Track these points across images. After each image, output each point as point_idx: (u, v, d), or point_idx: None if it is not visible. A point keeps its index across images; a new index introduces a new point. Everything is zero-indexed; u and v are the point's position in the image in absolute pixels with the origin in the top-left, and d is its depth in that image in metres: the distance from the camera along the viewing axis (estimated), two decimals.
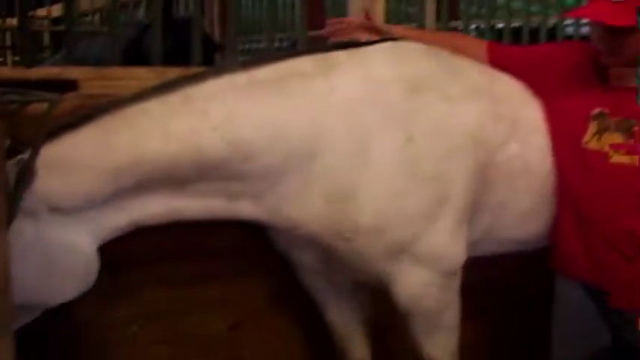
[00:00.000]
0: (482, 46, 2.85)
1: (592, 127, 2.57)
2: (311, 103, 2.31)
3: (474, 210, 2.55)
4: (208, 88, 2.20)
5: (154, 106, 2.12)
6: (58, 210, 1.99)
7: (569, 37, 4.74)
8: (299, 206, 2.33)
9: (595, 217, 2.52)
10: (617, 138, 2.52)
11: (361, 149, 2.32)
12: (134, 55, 3.76)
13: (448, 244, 2.48)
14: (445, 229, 2.45)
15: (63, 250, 2.05)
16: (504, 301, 3.56)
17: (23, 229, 1.93)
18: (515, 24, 4.79)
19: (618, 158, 2.51)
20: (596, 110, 2.57)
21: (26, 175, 1.85)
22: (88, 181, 2.02)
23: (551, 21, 4.70)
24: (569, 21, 4.75)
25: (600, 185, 2.51)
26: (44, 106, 1.88)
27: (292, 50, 2.95)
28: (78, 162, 2.01)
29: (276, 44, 6.06)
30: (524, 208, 2.69)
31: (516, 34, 4.61)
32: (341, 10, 3.84)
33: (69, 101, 2.31)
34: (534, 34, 4.52)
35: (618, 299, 2.51)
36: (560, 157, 2.66)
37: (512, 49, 3.04)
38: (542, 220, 2.75)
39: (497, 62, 2.78)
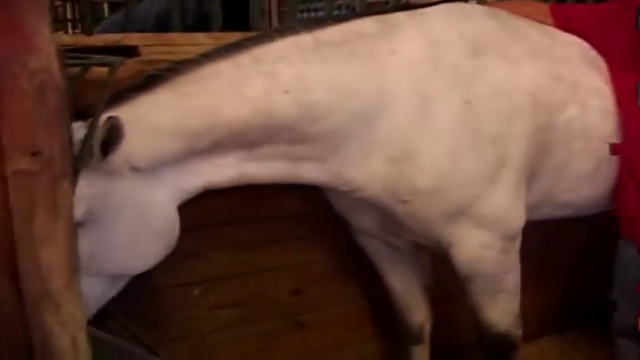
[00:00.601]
0: (544, 10, 2.82)
1: None
2: (375, 64, 2.30)
3: (533, 172, 2.54)
4: (276, 49, 2.19)
5: (225, 67, 2.13)
6: (139, 170, 2.01)
7: None
8: (360, 168, 2.33)
9: None
10: None
11: (422, 111, 2.32)
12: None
13: (508, 206, 2.47)
14: (505, 191, 2.44)
15: (151, 209, 2.07)
16: (569, 266, 3.58)
17: (111, 190, 1.97)
18: None
19: None
20: None
21: (109, 135, 1.87)
22: (166, 143, 2.04)
23: None
24: None
25: None
26: (105, 70, 1.89)
27: (355, 12, 2.93)
28: (157, 125, 2.03)
29: (335, 12, 6.06)
30: (582, 171, 2.66)
31: None
32: None
33: (129, 67, 2.33)
34: None
35: None
36: (622, 118, 2.63)
37: (575, 9, 3.00)
38: (600, 185, 2.73)
39: (561, 24, 2.75)
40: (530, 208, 2.57)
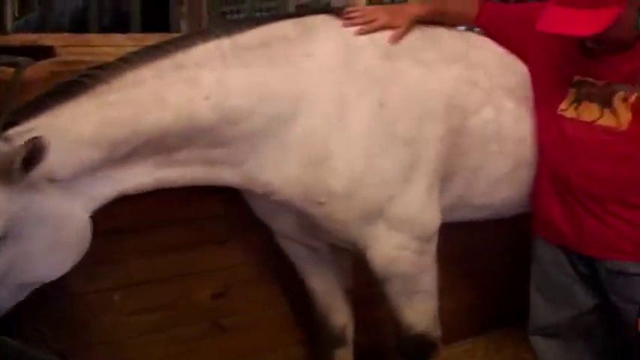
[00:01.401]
0: (473, 5, 2.85)
1: (570, 95, 2.58)
2: (291, 67, 2.35)
3: (447, 174, 2.60)
4: (196, 54, 2.22)
5: (147, 74, 2.14)
6: (56, 181, 2.01)
7: None
8: (276, 171, 2.36)
9: (571, 183, 2.55)
10: (594, 109, 2.52)
11: (336, 114, 2.37)
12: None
13: (422, 207, 2.53)
14: (418, 192, 2.50)
15: (66, 219, 2.08)
16: (489, 266, 3.64)
17: (30, 203, 1.96)
18: None
19: (593, 126, 2.51)
20: (577, 78, 2.57)
21: (31, 155, 1.86)
22: (86, 154, 2.04)
23: None
24: None
25: (573, 150, 2.54)
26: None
27: (273, 15, 2.95)
28: (78, 136, 2.03)
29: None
30: (497, 173, 2.73)
31: None
32: None
33: (45, 68, 2.31)
34: None
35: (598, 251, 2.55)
36: (538, 122, 2.69)
37: (501, 8, 3.02)
38: (516, 187, 2.80)
39: (486, 21, 2.82)
40: (446, 209, 2.63)
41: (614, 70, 2.49)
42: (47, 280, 2.13)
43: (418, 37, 2.62)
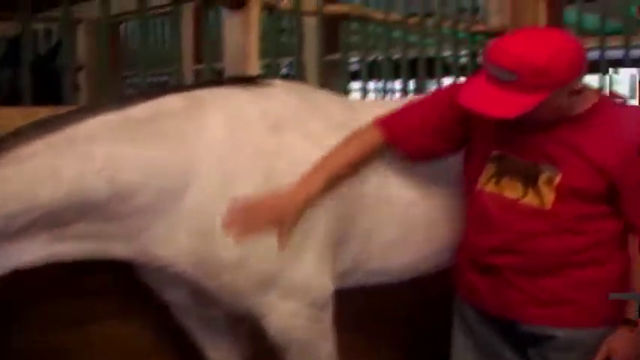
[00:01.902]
0: (373, 133, 2.69)
1: (489, 169, 2.59)
2: (181, 141, 2.39)
3: (339, 240, 2.64)
4: (87, 128, 2.23)
5: (40, 148, 2.14)
6: None
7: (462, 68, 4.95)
8: (169, 245, 2.38)
9: (492, 255, 2.58)
10: (517, 187, 2.52)
11: (226, 188, 2.41)
12: None
13: (314, 275, 2.57)
14: (310, 260, 2.55)
15: None
16: (388, 333, 3.67)
17: None
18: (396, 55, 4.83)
19: (516, 204, 2.52)
20: (496, 152, 2.58)
21: None
22: None
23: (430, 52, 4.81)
24: (448, 52, 4.89)
25: (494, 225, 2.56)
26: None
27: (163, 88, 2.98)
28: None
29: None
30: (388, 238, 2.78)
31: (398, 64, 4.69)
32: (217, 45, 3.90)
33: None
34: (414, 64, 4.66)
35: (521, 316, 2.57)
36: (462, 195, 2.75)
37: (405, 121, 2.73)
38: (410, 251, 2.85)
39: (397, 137, 2.68)
40: (341, 275, 2.68)
41: (539, 149, 2.49)
42: None
43: (305, 107, 2.68)
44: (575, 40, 2.43)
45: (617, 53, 5.00)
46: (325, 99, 2.82)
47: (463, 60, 4.97)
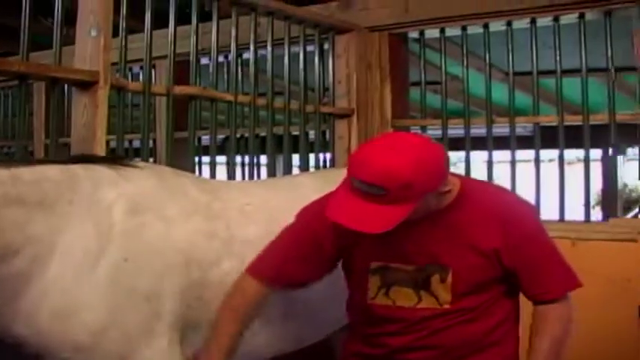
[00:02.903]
0: (250, 282, 2.70)
1: (373, 282, 2.62)
2: (53, 211, 2.46)
3: (191, 325, 2.72)
4: None
5: None
6: None
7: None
8: (29, 322, 2.42)
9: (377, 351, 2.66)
10: (409, 294, 2.56)
11: (85, 267, 2.48)
12: None
13: (164, 359, 2.63)
14: (160, 346, 2.61)
15: None
16: None
17: None
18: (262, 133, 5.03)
19: (414, 310, 2.57)
20: (375, 264, 2.60)
21: None
22: None
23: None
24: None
25: (391, 330, 2.61)
26: None
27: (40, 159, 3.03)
28: None
29: None
30: None
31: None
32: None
33: None
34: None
35: None
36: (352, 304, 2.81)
37: (272, 260, 2.75)
38: (267, 337, 2.97)
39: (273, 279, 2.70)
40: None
41: (421, 251, 2.53)
42: None
43: (163, 190, 2.79)
44: (433, 143, 2.45)
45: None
46: (187, 182, 2.95)
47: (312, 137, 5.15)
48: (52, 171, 2.53)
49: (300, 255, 2.66)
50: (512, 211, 2.61)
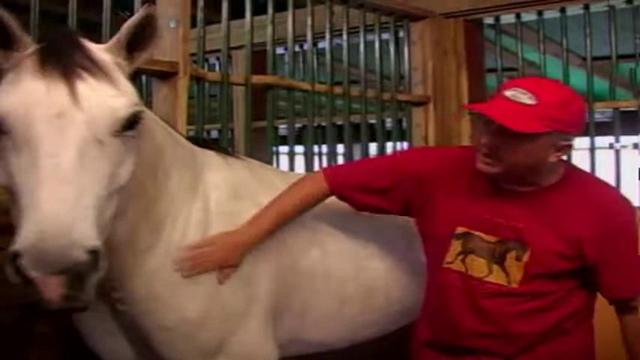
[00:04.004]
0: (320, 183, 2.84)
1: (454, 247, 2.62)
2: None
3: (279, 311, 2.75)
4: None
5: None
6: None
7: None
8: (147, 283, 2.46)
9: (454, 333, 2.64)
10: (482, 265, 2.55)
11: (196, 237, 2.56)
12: None
13: (259, 342, 2.68)
14: (255, 328, 2.65)
15: None
16: None
17: None
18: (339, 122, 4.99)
19: (482, 282, 2.56)
20: (460, 229, 2.60)
21: None
22: None
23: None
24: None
25: (457, 304, 2.60)
26: None
27: None
28: None
29: None
30: (323, 312, 2.89)
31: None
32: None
33: None
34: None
35: None
36: (427, 273, 2.81)
37: (352, 168, 3.05)
38: (344, 324, 2.97)
39: (343, 188, 2.83)
40: (282, 345, 2.78)
41: (507, 225, 2.52)
42: None
43: (255, 180, 2.86)
44: None
45: None
46: (271, 174, 3.03)
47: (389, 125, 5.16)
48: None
49: (374, 187, 2.78)
50: (612, 204, 2.58)
